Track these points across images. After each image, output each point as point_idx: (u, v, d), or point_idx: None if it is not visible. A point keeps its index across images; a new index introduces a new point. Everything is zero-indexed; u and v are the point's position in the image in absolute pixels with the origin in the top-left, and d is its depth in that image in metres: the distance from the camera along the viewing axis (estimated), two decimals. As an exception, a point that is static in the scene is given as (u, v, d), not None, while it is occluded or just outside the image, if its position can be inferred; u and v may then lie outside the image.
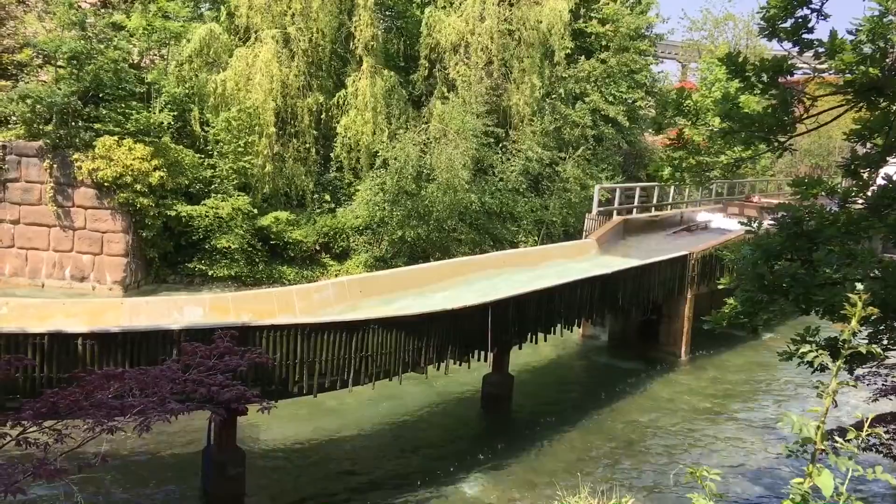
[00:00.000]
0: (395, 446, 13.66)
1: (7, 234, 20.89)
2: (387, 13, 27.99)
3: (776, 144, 8.93)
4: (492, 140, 26.55)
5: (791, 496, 3.78)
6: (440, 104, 25.88)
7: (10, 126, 21.12)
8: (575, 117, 29.28)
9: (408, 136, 24.10)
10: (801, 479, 3.92)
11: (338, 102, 25.09)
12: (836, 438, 4.01)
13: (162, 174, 20.71)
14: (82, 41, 21.00)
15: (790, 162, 39.78)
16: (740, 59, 8.42)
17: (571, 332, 18.09)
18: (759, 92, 8.58)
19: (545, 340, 15.82)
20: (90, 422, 4.87)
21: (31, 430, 4.69)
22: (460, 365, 13.70)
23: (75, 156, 20.53)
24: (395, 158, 23.31)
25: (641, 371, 18.66)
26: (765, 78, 8.54)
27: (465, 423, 15.11)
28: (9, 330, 9.53)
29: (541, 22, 27.01)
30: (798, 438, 4.34)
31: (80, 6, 22.87)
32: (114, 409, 4.80)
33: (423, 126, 25.18)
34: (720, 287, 10.29)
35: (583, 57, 30.48)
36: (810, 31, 8.30)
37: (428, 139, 24.68)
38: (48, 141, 20.58)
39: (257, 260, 22.31)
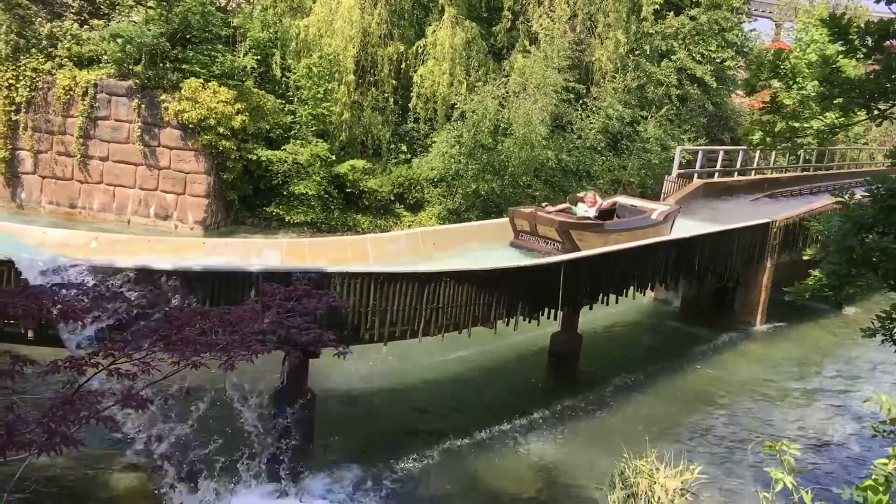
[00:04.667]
0: (460, 397, 13.83)
1: (96, 171, 21.66)
2: (472, -38, 27.50)
3: (876, 112, 8.53)
4: (572, 96, 26.07)
5: (874, 476, 3.69)
6: (521, 57, 25.47)
7: (101, 65, 21.72)
8: (659, 75, 28.47)
9: (486, 88, 23.83)
10: (885, 460, 3.81)
11: (417, 52, 24.93)
12: (927, 422, 3.89)
13: (244, 118, 21.06)
14: (172, -17, 21.35)
15: (884, 130, 37.96)
16: (844, 21, 8.01)
17: (644, 295, 17.88)
18: (862, 56, 8.17)
19: (616, 302, 15.67)
20: (176, 356, 5.06)
21: (121, 360, 4.90)
22: (530, 322, 13.69)
23: (162, 97, 21.03)
24: (473, 111, 23.13)
25: (713, 339, 18.35)
26: (869, 42, 8.11)
27: (532, 380, 15.17)
28: (100, 263, 9.91)
29: (630, -25, 26.22)
30: (884, 418, 4.21)
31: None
32: (200, 345, 4.98)
33: (502, 79, 24.86)
34: (805, 258, 9.97)
35: (671, 13, 29.48)
36: (923, -8, 7.82)
37: (507, 93, 24.37)
38: (137, 81, 21.11)
39: (333, 207, 22.59)
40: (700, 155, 24.86)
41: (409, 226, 22.53)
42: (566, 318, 14.94)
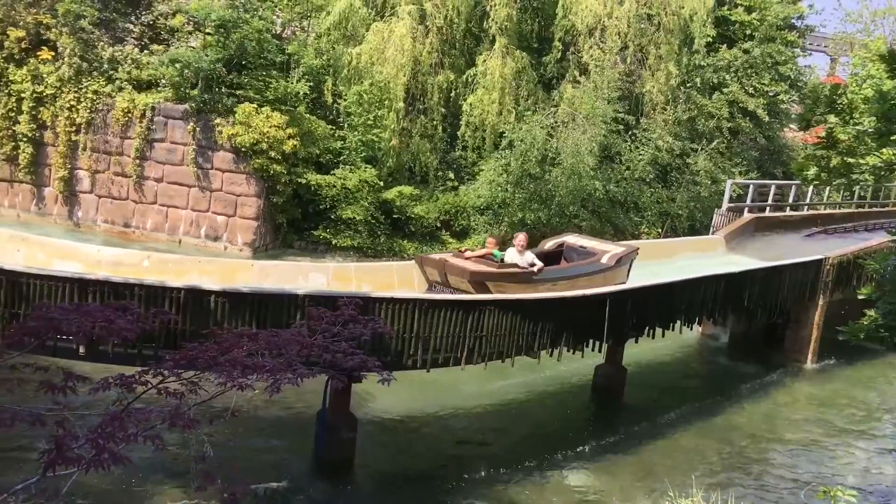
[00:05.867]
0: (502, 427, 13.71)
1: (151, 191, 22.16)
2: (524, -7, 27.76)
3: (936, 149, 8.35)
4: (621, 127, 25.96)
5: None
6: (571, 88, 25.49)
7: (159, 89, 22.29)
8: (711, 108, 28.21)
9: (535, 118, 23.90)
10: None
11: (466, 81, 25.14)
12: None
13: (295, 143, 21.39)
14: (230, 10, 21.88)
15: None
16: (904, 57, 7.88)
17: (691, 329, 17.60)
18: (922, 92, 8.02)
19: (663, 336, 15.44)
20: (223, 377, 5.11)
21: (169, 379, 4.97)
22: (573, 353, 13.56)
23: (217, 120, 21.48)
24: (521, 140, 23.18)
25: (763, 377, 17.94)
26: (929, 78, 7.98)
27: (575, 412, 15.00)
28: (150, 283, 10.13)
29: (683, 8, 26.10)
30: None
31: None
32: (247, 367, 5.02)
33: (551, 109, 24.90)
34: (860, 297, 9.74)
35: (724, 46, 29.26)
36: None
37: (556, 123, 24.40)
38: (193, 105, 21.61)
39: (379, 232, 22.74)
40: (751, 189, 24.54)
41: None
42: (611, 351, 14.76)
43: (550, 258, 14.45)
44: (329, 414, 11.14)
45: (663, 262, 18.35)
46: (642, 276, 15.58)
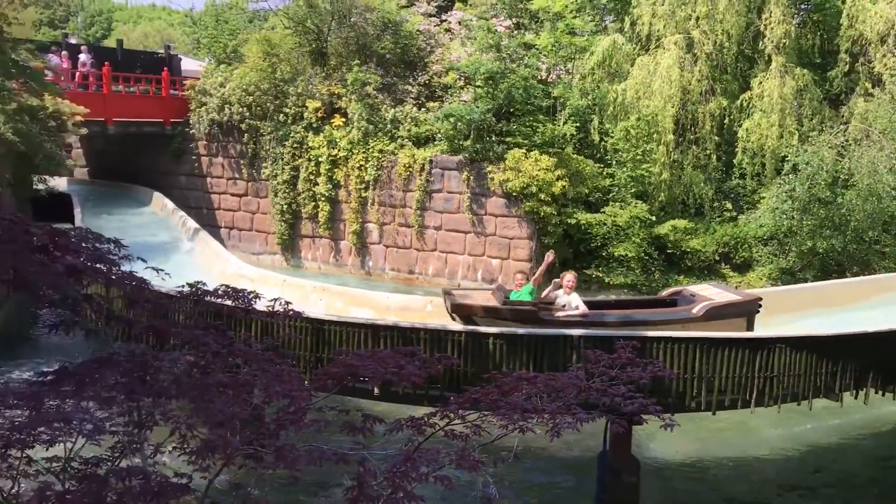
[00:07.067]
0: (799, 477, 12.57)
1: (431, 239, 23.57)
2: (801, 7, 25.93)
3: None
4: (929, 139, 23.07)
5: None
6: (862, 102, 23.20)
7: (435, 143, 23.79)
8: None
9: (822, 138, 22.03)
10: None
11: (741, 106, 23.89)
12: None
13: (564, 184, 21.66)
14: (497, 62, 22.86)
15: None
16: None
17: None
18: None
19: None
20: (504, 419, 5.23)
21: (455, 422, 5.18)
22: (883, 395, 12.11)
23: (488, 168, 22.41)
24: (807, 163, 21.45)
25: None
26: None
27: (889, 462, 13.32)
28: (434, 327, 10.73)
29: None
30: None
31: (496, 30, 24.94)
32: (526, 410, 5.11)
33: (840, 127, 22.83)
34: None
35: None
36: None
37: (846, 141, 22.30)
38: (466, 155, 22.76)
39: (653, 269, 22.16)
40: None
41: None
42: (930, 393, 12.96)
43: (661, 305, 12.96)
44: (610, 457, 10.93)
45: None
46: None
